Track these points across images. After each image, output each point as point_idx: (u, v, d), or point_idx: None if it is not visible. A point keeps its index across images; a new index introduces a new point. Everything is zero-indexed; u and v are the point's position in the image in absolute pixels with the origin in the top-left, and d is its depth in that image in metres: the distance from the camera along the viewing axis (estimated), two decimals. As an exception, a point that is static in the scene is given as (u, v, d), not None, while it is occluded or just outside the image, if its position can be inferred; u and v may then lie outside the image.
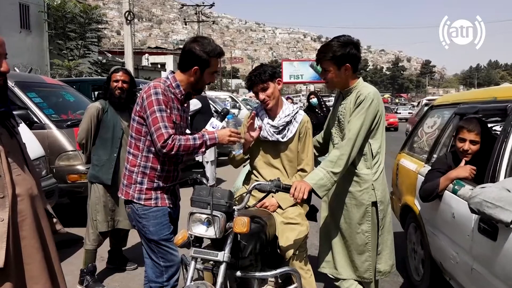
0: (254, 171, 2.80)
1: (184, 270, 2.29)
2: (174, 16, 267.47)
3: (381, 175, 2.57)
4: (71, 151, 4.92)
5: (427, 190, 2.88)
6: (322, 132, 2.93)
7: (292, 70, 32.18)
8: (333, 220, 2.68)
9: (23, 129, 4.03)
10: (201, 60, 2.33)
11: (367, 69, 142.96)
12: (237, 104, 17.99)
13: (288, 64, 33.58)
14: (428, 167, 3.25)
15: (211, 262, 2.15)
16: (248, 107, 17.26)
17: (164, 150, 2.24)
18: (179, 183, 2.52)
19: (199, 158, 7.38)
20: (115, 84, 3.57)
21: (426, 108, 4.55)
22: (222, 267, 2.04)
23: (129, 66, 15.73)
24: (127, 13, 16.03)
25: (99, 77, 15.00)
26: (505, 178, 2.30)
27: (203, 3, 37.57)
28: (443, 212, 2.84)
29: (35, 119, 5.00)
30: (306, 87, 40.60)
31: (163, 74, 2.55)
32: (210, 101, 9.84)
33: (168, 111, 2.31)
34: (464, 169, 2.71)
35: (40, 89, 5.63)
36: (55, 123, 5.09)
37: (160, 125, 2.24)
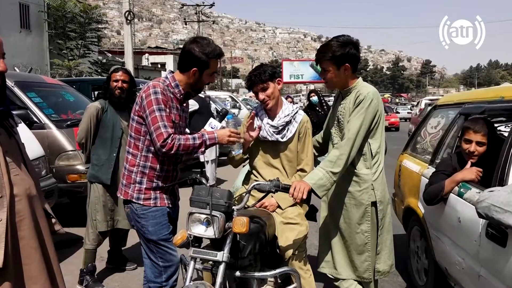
0: (254, 171, 2.80)
1: (184, 270, 2.29)
2: (174, 16, 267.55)
3: (381, 175, 2.57)
4: (71, 151, 4.92)
5: (432, 193, 2.79)
6: (322, 132, 2.93)
7: (292, 70, 32.16)
8: (332, 220, 2.68)
9: (22, 129, 4.03)
10: (200, 62, 2.33)
11: (367, 69, 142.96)
12: (237, 104, 17.99)
13: (288, 64, 33.56)
14: (432, 169, 3.17)
15: (210, 262, 2.15)
16: (248, 107, 17.25)
17: (164, 150, 2.24)
18: (178, 183, 2.52)
19: (201, 157, 7.40)
20: (115, 84, 3.57)
21: (429, 108, 4.40)
22: (221, 267, 2.04)
23: (129, 66, 15.73)
24: (127, 13, 16.03)
25: (99, 77, 15.01)
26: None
27: (203, 3, 37.61)
28: (448, 215, 2.73)
29: (35, 119, 5.00)
30: (306, 87, 40.58)
31: (163, 74, 2.54)
32: (210, 101, 9.85)
33: (167, 110, 2.31)
34: (470, 171, 2.61)
35: (40, 89, 5.64)
36: (55, 123, 5.09)
37: (159, 124, 2.24)
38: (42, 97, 5.42)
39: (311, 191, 2.30)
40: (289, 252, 2.55)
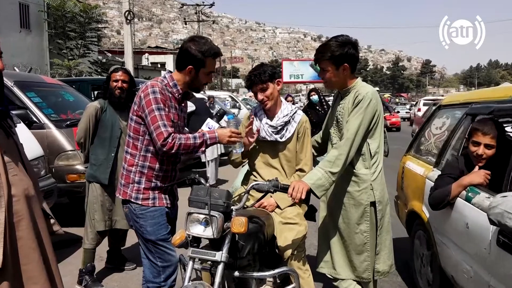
0: (253, 171, 2.80)
1: (182, 270, 2.29)
2: (174, 15, 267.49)
3: (380, 175, 2.56)
4: (70, 151, 4.92)
5: (438, 197, 2.66)
6: (321, 132, 2.93)
7: (292, 70, 32.21)
8: (331, 220, 2.67)
9: (22, 129, 4.03)
10: (195, 60, 2.33)
11: (368, 69, 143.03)
12: (237, 104, 17.99)
13: (288, 64, 33.61)
14: (437, 172, 3.05)
15: (209, 262, 2.15)
16: (248, 106, 17.26)
17: (165, 149, 2.24)
18: (177, 183, 2.52)
19: (203, 157, 7.41)
20: (114, 84, 3.57)
21: (434, 108, 4.20)
22: (220, 267, 2.04)
23: (129, 66, 15.72)
24: (127, 13, 16.02)
25: (99, 76, 15.00)
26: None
27: (203, 2, 37.56)
28: (455, 221, 2.61)
29: (34, 119, 5.00)
30: (306, 87, 40.59)
31: (163, 74, 2.55)
32: (214, 102, 9.86)
33: (166, 109, 2.31)
34: (478, 175, 2.49)
35: (40, 89, 5.64)
36: (54, 122, 5.09)
37: (159, 123, 2.24)
38: (41, 97, 5.42)
39: (310, 191, 2.30)
40: (288, 252, 2.55)
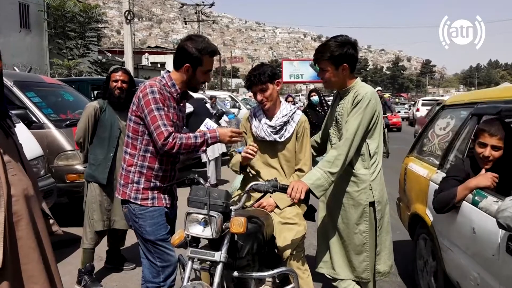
0: (252, 171, 2.79)
1: (182, 270, 2.29)
2: (174, 15, 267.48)
3: (379, 175, 2.56)
4: (70, 150, 4.93)
5: (443, 200, 2.55)
6: (320, 132, 2.93)
7: (292, 70, 32.16)
8: (330, 220, 2.68)
9: (21, 128, 4.03)
10: (192, 58, 2.33)
11: (367, 69, 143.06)
12: (237, 104, 18.00)
13: (288, 64, 33.56)
14: (441, 174, 2.95)
15: (208, 262, 2.15)
16: (248, 106, 17.27)
17: (166, 148, 2.25)
18: (176, 183, 2.52)
19: (203, 157, 7.40)
20: (114, 84, 3.57)
21: (437, 108, 4.03)
22: (219, 267, 2.04)
23: (129, 66, 15.72)
24: (127, 13, 16.02)
25: (99, 76, 15.00)
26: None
27: (203, 2, 37.56)
28: (460, 225, 2.49)
29: (34, 119, 5.00)
30: (306, 87, 40.58)
31: (162, 74, 2.55)
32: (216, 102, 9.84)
33: (166, 109, 2.31)
34: (485, 177, 2.38)
35: (39, 89, 5.64)
36: (54, 122, 5.09)
37: (159, 123, 2.24)
38: (41, 96, 5.42)
39: (309, 191, 2.30)
40: (287, 252, 2.55)
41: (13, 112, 3.98)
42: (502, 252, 2.04)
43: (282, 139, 2.68)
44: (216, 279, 2.01)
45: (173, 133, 2.26)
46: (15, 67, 7.99)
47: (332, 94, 2.95)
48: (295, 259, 2.59)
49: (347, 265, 2.62)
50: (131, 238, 3.97)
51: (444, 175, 2.80)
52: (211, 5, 36.05)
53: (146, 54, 33.96)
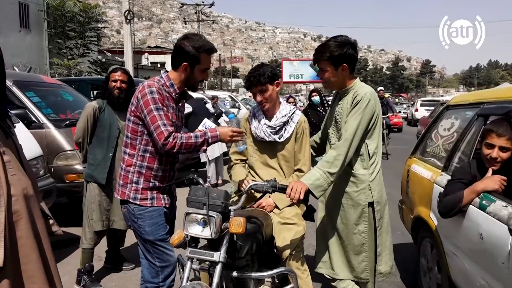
0: (251, 171, 2.80)
1: (181, 270, 2.29)
2: (174, 15, 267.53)
3: (378, 176, 2.57)
4: (69, 150, 4.92)
5: (449, 204, 2.43)
6: (320, 132, 2.93)
7: (292, 70, 32.18)
8: (330, 221, 2.68)
9: (21, 128, 4.03)
10: (190, 56, 2.33)
11: (367, 69, 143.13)
12: (237, 104, 18.00)
13: (288, 64, 33.58)
14: (446, 176, 2.86)
15: (207, 262, 2.15)
16: (248, 106, 17.28)
17: (166, 148, 2.25)
18: (175, 183, 2.52)
19: (202, 157, 7.39)
20: (113, 84, 3.57)
21: (441, 108, 3.88)
22: (218, 268, 2.04)
23: (129, 65, 15.72)
24: (126, 12, 16.02)
25: (98, 76, 14.99)
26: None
27: (203, 2, 37.55)
28: (467, 230, 2.39)
29: (33, 119, 5.00)
30: (306, 87, 40.62)
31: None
32: (207, 100, 9.82)
33: (165, 109, 2.31)
34: (492, 180, 2.28)
35: (39, 89, 5.64)
36: (54, 122, 5.09)
37: (159, 123, 2.24)
38: (40, 96, 5.42)
39: (308, 192, 2.30)
40: (286, 252, 2.55)
41: (12, 112, 3.98)
42: (512, 260, 1.94)
43: (282, 140, 2.68)
44: (215, 279, 2.01)
45: (173, 133, 2.26)
46: (14, 67, 7.99)
47: (332, 94, 2.95)
48: (294, 259, 2.59)
49: (346, 265, 2.63)
50: (130, 238, 3.98)
51: (449, 177, 2.72)
52: (211, 5, 36.05)
53: (146, 54, 33.97)
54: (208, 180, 7.21)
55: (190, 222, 2.10)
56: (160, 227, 2.40)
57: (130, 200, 2.38)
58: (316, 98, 6.87)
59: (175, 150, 2.27)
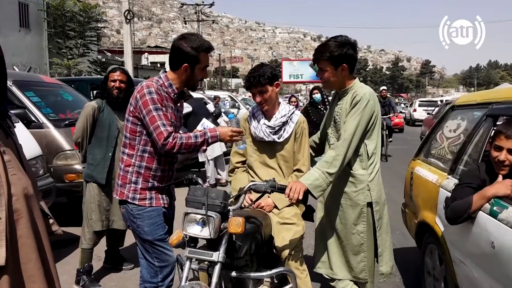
0: (250, 171, 2.80)
1: (180, 270, 2.30)
2: (174, 15, 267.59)
3: (377, 176, 2.57)
4: (69, 150, 4.92)
5: (457, 210, 2.30)
6: (319, 132, 2.94)
7: (292, 70, 32.18)
8: (328, 221, 2.68)
9: (20, 128, 4.03)
10: (189, 57, 2.33)
11: (367, 69, 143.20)
12: (236, 104, 18.01)
13: (288, 64, 33.57)
14: (452, 179, 2.76)
15: (206, 262, 2.15)
16: (248, 106, 17.28)
17: (166, 148, 2.25)
18: (174, 183, 2.52)
19: (200, 157, 7.38)
20: (112, 83, 3.57)
21: (446, 108, 3.75)
22: (217, 268, 2.04)
23: (129, 65, 15.72)
24: (126, 12, 16.02)
25: (98, 76, 15.00)
26: None
27: (203, 2, 37.54)
28: (477, 238, 2.25)
29: (33, 118, 4.99)
30: (306, 87, 40.64)
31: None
32: (207, 100, 9.81)
33: (164, 109, 2.31)
34: (504, 185, 2.16)
35: (38, 88, 5.63)
36: (53, 122, 5.09)
37: (158, 123, 2.25)
38: (40, 96, 5.42)
39: (307, 192, 2.30)
40: (286, 252, 2.56)
41: (12, 111, 3.98)
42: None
43: (281, 140, 2.68)
44: (214, 279, 2.01)
45: (173, 133, 2.26)
46: (14, 67, 7.97)
47: (332, 94, 2.95)
48: (293, 259, 2.59)
49: (345, 265, 2.63)
50: (130, 238, 3.97)
51: (456, 181, 2.62)
52: (211, 5, 36.07)
53: (146, 53, 33.98)
54: (207, 180, 7.20)
55: (189, 222, 2.10)
56: (159, 227, 2.40)
57: (129, 200, 2.38)
58: (317, 96, 6.72)
59: (175, 150, 2.28)
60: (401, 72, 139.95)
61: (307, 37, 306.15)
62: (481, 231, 2.21)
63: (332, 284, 2.70)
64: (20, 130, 3.80)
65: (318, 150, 2.94)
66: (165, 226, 2.44)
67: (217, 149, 7.31)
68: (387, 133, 9.96)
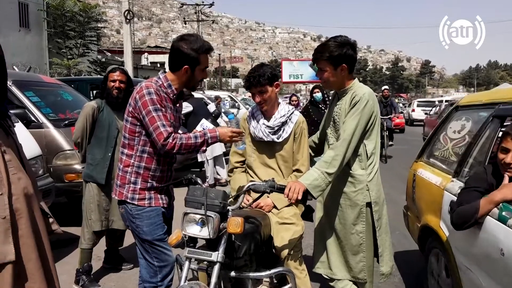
0: (250, 171, 2.80)
1: (179, 270, 2.30)
2: (173, 15, 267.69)
3: (376, 176, 2.57)
4: (69, 150, 4.92)
5: (464, 215, 2.20)
6: (318, 132, 2.94)
7: (292, 70, 32.16)
8: (327, 221, 2.68)
9: (20, 128, 4.03)
10: (190, 58, 2.33)
11: (367, 69, 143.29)
12: (236, 104, 18.01)
13: (288, 64, 33.54)
14: (457, 182, 2.68)
15: (206, 262, 2.15)
16: (247, 106, 17.28)
17: (166, 148, 2.25)
18: (173, 183, 2.52)
19: (199, 157, 7.37)
20: (112, 84, 3.57)
21: (450, 108, 3.66)
22: (216, 268, 2.04)
23: (129, 65, 15.72)
24: (126, 12, 16.02)
25: (98, 76, 14.99)
26: None
27: (203, 2, 37.53)
28: (485, 244, 2.16)
29: (33, 118, 5.00)
30: (306, 87, 40.63)
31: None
32: (207, 101, 9.80)
33: (163, 110, 2.32)
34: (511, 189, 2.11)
35: (38, 88, 5.63)
36: (53, 122, 5.09)
37: (158, 124, 2.25)
38: (40, 96, 5.42)
39: (306, 192, 2.30)
40: (285, 252, 2.56)
41: (11, 111, 3.98)
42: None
43: (280, 140, 2.68)
44: (213, 279, 2.01)
45: (173, 134, 2.27)
46: (14, 67, 7.97)
47: (331, 94, 2.95)
48: (292, 259, 2.59)
49: (344, 265, 2.63)
50: (129, 238, 3.97)
51: (461, 184, 2.54)
52: (211, 5, 36.07)
53: (146, 53, 33.99)
54: (206, 180, 7.20)
55: (188, 222, 2.10)
56: (158, 227, 2.41)
57: (128, 200, 2.38)
58: (318, 95, 6.65)
59: (175, 151, 2.28)
60: (401, 72, 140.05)
61: (307, 37, 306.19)
62: (489, 237, 2.12)
63: (331, 284, 2.70)
64: (20, 130, 3.80)
65: (318, 150, 2.94)
66: (164, 226, 2.44)
67: (217, 149, 7.31)
68: (387, 134, 9.89)
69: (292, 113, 2.72)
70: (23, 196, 1.77)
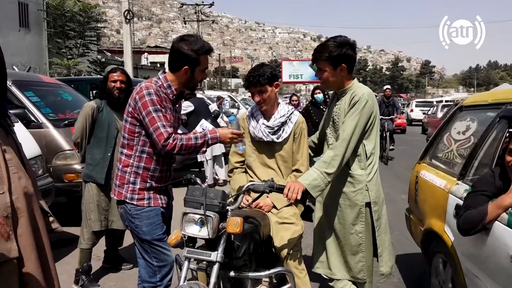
0: (249, 171, 2.80)
1: (178, 269, 2.30)
2: (173, 15, 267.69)
3: (375, 176, 2.57)
4: (68, 150, 4.93)
5: (471, 220, 2.12)
6: (317, 132, 2.94)
7: (292, 70, 32.15)
8: (327, 221, 2.68)
9: (19, 128, 4.03)
10: (190, 59, 2.33)
11: (367, 69, 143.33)
12: (236, 104, 18.01)
13: (288, 64, 33.53)
14: (463, 185, 2.60)
15: (205, 262, 2.16)
16: (247, 106, 17.28)
17: (166, 149, 2.26)
18: (173, 183, 2.52)
19: (199, 157, 7.38)
20: (113, 84, 3.57)
21: (454, 108, 3.59)
22: (215, 267, 2.05)
23: (128, 65, 15.72)
24: (126, 12, 16.01)
25: (98, 76, 14.99)
26: None
27: (203, 2, 37.54)
28: (493, 250, 2.08)
29: (32, 118, 5.00)
30: (306, 87, 40.64)
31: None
32: (208, 101, 9.80)
33: (163, 110, 2.32)
34: None
35: (38, 88, 5.64)
36: (52, 122, 5.09)
37: (158, 124, 2.25)
38: (39, 96, 5.43)
39: (305, 192, 2.30)
40: (284, 252, 2.56)
41: (11, 111, 3.98)
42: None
43: (280, 140, 2.68)
44: (213, 279, 2.01)
45: (173, 134, 2.27)
46: (14, 67, 7.97)
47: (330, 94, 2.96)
48: (292, 259, 2.60)
49: (343, 265, 2.63)
50: (129, 238, 3.97)
51: (466, 186, 2.48)
52: (211, 5, 36.08)
53: (146, 53, 33.98)
54: (206, 180, 7.20)
55: (188, 222, 2.10)
56: (157, 227, 2.41)
57: (127, 201, 2.38)
58: (319, 96, 6.60)
59: (175, 152, 2.28)
60: (401, 72, 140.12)
61: (307, 37, 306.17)
62: (498, 243, 2.04)
63: (331, 284, 2.70)
64: (20, 130, 3.80)
65: (317, 150, 2.94)
66: (163, 226, 2.45)
67: (217, 149, 7.31)
68: (388, 135, 9.79)
69: (291, 113, 2.72)
70: (23, 195, 1.77)
